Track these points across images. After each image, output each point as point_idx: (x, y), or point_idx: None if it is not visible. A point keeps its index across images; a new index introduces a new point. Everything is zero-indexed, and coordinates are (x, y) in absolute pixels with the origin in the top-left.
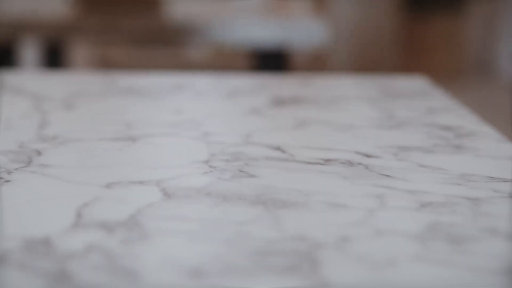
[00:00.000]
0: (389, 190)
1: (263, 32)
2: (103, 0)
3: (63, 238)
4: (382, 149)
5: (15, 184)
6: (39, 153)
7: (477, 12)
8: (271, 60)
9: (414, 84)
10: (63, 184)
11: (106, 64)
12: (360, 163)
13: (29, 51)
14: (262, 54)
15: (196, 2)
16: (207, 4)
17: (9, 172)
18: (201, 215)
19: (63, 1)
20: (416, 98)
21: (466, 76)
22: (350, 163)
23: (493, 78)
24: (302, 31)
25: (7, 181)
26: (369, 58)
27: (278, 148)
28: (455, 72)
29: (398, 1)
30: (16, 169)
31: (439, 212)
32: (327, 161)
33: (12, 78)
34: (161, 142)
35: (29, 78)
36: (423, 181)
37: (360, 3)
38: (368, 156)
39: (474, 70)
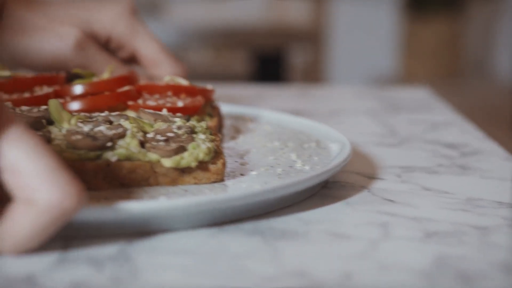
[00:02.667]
0: (393, 218)
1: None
2: None
3: (47, 275)
4: (385, 169)
5: None
6: None
7: (476, 14)
8: (270, 64)
9: (416, 96)
10: None
11: None
12: (363, 186)
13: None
14: (261, 58)
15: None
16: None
17: None
18: (196, 247)
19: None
20: (419, 112)
21: (465, 78)
22: (352, 186)
23: (492, 80)
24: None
25: None
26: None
27: None
28: (454, 74)
29: (397, 3)
30: None
31: (446, 243)
32: (328, 183)
33: None
34: None
35: None
36: (428, 206)
37: (361, 4)
38: (370, 178)
39: (473, 72)
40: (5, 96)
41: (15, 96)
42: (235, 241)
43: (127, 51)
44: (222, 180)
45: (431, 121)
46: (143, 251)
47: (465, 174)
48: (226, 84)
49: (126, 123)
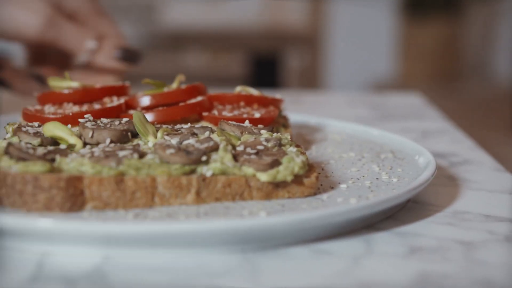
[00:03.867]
0: (376, 232)
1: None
2: None
3: None
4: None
5: None
6: None
7: (474, 16)
8: (267, 66)
9: (410, 102)
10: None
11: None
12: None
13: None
14: (258, 61)
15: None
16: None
17: None
18: (173, 265)
19: None
20: (411, 119)
21: (463, 80)
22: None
23: (490, 82)
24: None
25: None
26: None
27: None
28: (452, 76)
29: (395, 4)
30: None
31: (429, 259)
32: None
33: None
34: None
35: None
36: (414, 220)
37: (358, 6)
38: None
39: (471, 74)
40: (75, 107)
41: (85, 106)
42: (214, 259)
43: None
44: (314, 193)
45: (423, 129)
46: (118, 269)
47: (452, 186)
48: (223, 87)
49: (214, 136)
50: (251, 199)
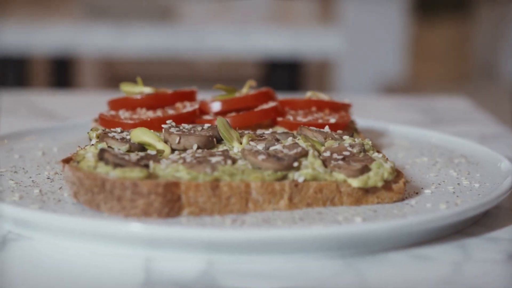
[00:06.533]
0: (468, 238)
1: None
2: None
3: None
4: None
5: None
6: None
7: (484, 17)
8: (283, 69)
9: (457, 106)
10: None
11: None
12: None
13: None
14: (274, 63)
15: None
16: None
17: None
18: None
19: None
20: (463, 123)
21: (473, 80)
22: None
23: (500, 83)
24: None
25: None
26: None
27: None
28: (462, 77)
29: (405, 5)
30: None
31: None
32: None
33: None
34: None
35: None
36: (501, 225)
37: (368, 8)
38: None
39: (481, 75)
40: (149, 112)
41: (159, 111)
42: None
43: None
44: (402, 199)
45: (479, 133)
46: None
47: None
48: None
49: (300, 142)
50: (341, 204)
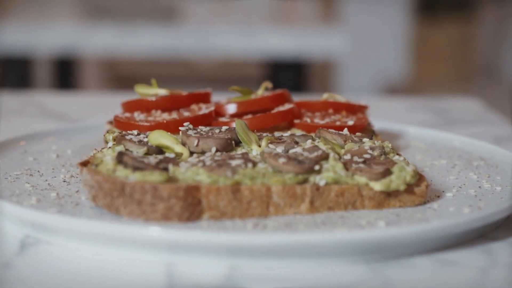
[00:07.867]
0: (493, 242)
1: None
2: None
3: None
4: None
5: None
6: None
7: (487, 17)
8: (286, 70)
9: (469, 107)
10: None
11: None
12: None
13: None
14: (277, 64)
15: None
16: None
17: None
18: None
19: None
20: (477, 124)
21: (475, 81)
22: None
23: (503, 83)
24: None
25: None
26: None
27: None
28: (464, 77)
29: (408, 6)
30: None
31: None
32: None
33: None
34: None
35: None
36: None
37: (371, 8)
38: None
39: (482, 75)
40: (165, 114)
41: (174, 113)
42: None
43: None
44: (424, 202)
45: (493, 135)
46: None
47: None
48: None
49: (320, 145)
50: (363, 208)
